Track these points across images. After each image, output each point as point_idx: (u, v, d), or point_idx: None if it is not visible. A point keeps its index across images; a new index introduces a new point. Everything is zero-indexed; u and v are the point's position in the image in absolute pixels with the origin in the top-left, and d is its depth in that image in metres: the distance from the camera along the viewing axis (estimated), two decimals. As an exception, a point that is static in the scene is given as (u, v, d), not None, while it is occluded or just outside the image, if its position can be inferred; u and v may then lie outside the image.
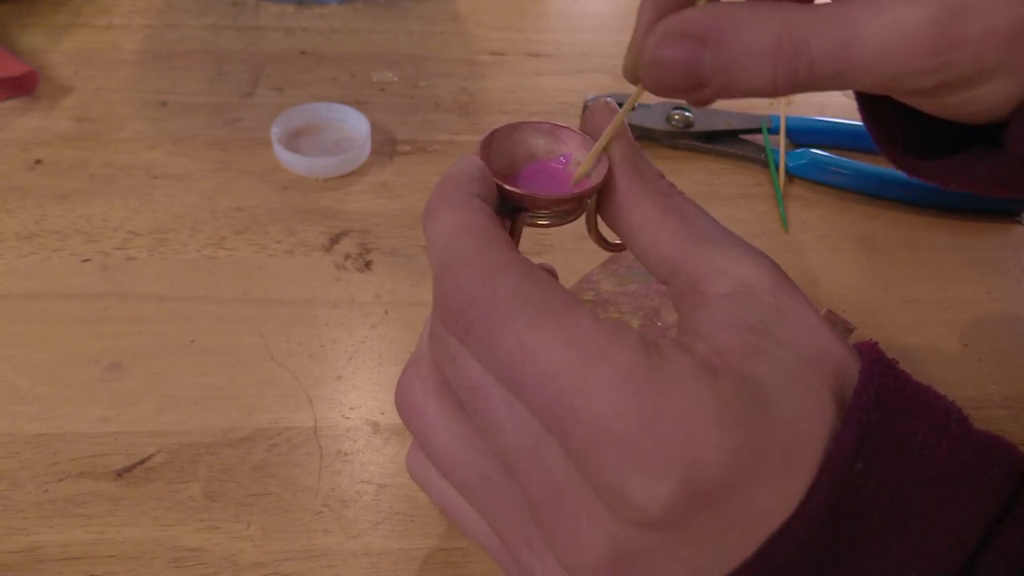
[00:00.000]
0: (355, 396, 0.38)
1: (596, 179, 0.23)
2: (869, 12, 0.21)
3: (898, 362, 0.20)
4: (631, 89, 0.24)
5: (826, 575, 0.19)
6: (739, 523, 0.19)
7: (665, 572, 0.19)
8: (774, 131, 0.54)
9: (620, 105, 0.24)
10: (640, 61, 0.23)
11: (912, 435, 0.19)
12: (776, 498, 0.19)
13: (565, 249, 0.46)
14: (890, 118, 0.26)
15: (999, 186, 0.24)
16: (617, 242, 0.25)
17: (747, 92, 0.22)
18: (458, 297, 0.20)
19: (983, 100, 0.22)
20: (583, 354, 0.18)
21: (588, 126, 0.25)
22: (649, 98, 0.55)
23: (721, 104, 0.56)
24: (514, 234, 0.24)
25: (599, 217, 0.25)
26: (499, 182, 0.23)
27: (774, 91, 0.22)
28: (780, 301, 0.21)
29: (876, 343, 0.21)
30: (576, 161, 0.24)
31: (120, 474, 0.34)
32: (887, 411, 0.19)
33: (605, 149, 0.24)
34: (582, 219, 0.25)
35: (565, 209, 0.24)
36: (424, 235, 0.22)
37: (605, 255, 0.43)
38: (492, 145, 0.24)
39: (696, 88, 0.22)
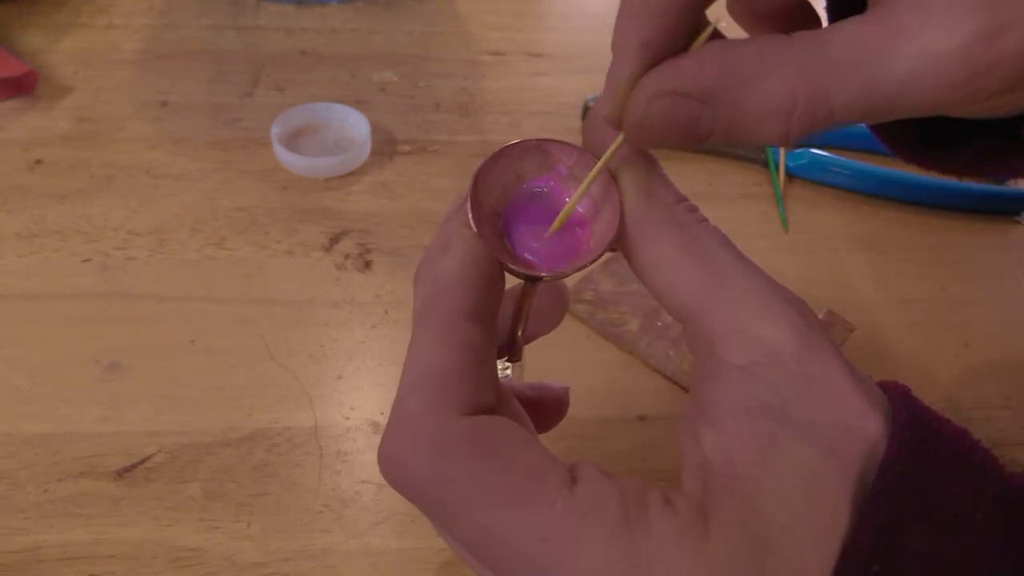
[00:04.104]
0: (355, 396, 0.38)
1: (609, 234, 0.22)
2: (895, 42, 0.18)
3: (933, 411, 0.19)
4: None
5: None
6: None
7: None
8: (774, 131, 0.54)
9: None
10: (627, 116, 0.20)
11: (941, 508, 0.18)
12: None
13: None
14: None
15: (1016, 172, 0.23)
16: None
17: (753, 144, 0.21)
18: (411, 473, 0.19)
19: (1015, 104, 0.19)
20: (556, 543, 0.18)
21: (587, 141, 0.23)
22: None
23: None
24: (528, 294, 0.24)
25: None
26: (508, 265, 0.22)
27: (785, 143, 0.20)
28: (805, 367, 0.19)
29: (908, 390, 0.19)
30: (572, 175, 0.23)
31: (120, 474, 0.34)
32: (913, 487, 0.18)
33: (598, 180, 0.22)
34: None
35: (582, 268, 0.23)
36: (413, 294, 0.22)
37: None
38: (478, 186, 0.22)
39: (693, 142, 0.20)
